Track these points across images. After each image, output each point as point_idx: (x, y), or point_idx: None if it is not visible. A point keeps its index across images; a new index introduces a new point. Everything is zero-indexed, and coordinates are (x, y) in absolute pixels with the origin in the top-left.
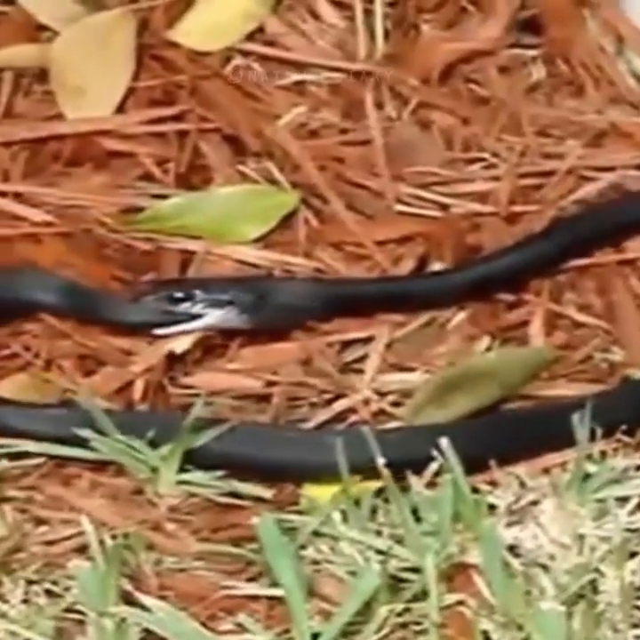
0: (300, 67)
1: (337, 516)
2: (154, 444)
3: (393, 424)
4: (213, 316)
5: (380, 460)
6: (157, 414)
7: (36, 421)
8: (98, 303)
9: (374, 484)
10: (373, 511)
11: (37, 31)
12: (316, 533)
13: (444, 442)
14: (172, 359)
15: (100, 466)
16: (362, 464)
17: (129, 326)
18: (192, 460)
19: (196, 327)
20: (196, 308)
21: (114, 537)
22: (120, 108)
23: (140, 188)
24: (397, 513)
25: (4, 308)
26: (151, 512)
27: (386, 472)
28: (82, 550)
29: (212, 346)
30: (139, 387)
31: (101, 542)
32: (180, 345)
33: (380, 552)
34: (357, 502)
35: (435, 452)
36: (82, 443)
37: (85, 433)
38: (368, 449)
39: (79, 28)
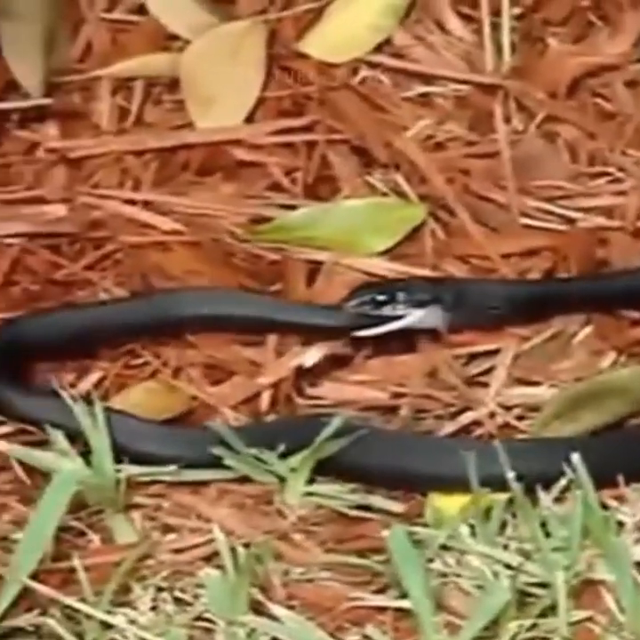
0: (426, 79)
1: (465, 529)
2: (283, 454)
3: (518, 437)
4: (414, 316)
5: (511, 474)
6: (287, 424)
7: (166, 443)
8: (290, 311)
9: (503, 498)
10: (502, 525)
11: (169, 40)
12: (443, 546)
13: (575, 457)
14: (300, 370)
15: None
16: (492, 477)
17: (330, 331)
18: (322, 469)
19: (396, 327)
20: (399, 310)
21: (246, 546)
22: (249, 118)
23: (269, 198)
24: (526, 527)
25: (165, 325)
26: (279, 522)
27: (516, 486)
28: (210, 559)
29: (339, 357)
30: (266, 397)
31: (231, 551)
32: (310, 358)
33: (508, 567)
34: (486, 516)
35: (565, 467)
36: (213, 461)
37: (218, 451)
38: (498, 462)
39: (210, 37)
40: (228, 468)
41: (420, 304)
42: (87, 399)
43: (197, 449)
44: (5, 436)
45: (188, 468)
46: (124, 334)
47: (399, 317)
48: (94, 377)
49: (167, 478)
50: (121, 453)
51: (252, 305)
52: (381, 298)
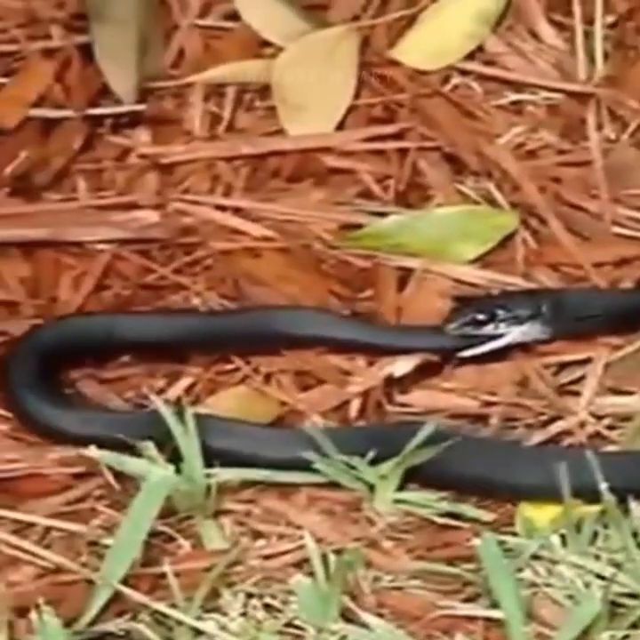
0: (518, 86)
1: (556, 539)
2: (372, 460)
3: (609, 448)
4: (515, 333)
5: (603, 484)
6: (378, 430)
7: (257, 444)
8: (390, 336)
9: (595, 509)
10: (593, 535)
11: (261, 47)
12: (534, 556)
13: None
14: (390, 378)
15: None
16: (583, 487)
17: (433, 353)
18: (411, 476)
19: (499, 345)
20: (500, 328)
21: (337, 552)
22: (341, 125)
23: (359, 205)
24: (618, 538)
25: (261, 341)
26: (368, 529)
27: (609, 496)
28: (299, 565)
29: (429, 365)
30: (355, 405)
31: (322, 558)
32: (401, 368)
33: (600, 577)
34: (577, 526)
35: None
36: (302, 464)
37: (309, 455)
38: (590, 472)
39: (303, 44)
40: (317, 471)
41: (520, 320)
42: (177, 405)
43: (288, 451)
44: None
45: (277, 470)
46: (214, 345)
47: (501, 335)
48: (185, 383)
49: (257, 477)
50: (211, 455)
51: (353, 328)
52: (482, 317)
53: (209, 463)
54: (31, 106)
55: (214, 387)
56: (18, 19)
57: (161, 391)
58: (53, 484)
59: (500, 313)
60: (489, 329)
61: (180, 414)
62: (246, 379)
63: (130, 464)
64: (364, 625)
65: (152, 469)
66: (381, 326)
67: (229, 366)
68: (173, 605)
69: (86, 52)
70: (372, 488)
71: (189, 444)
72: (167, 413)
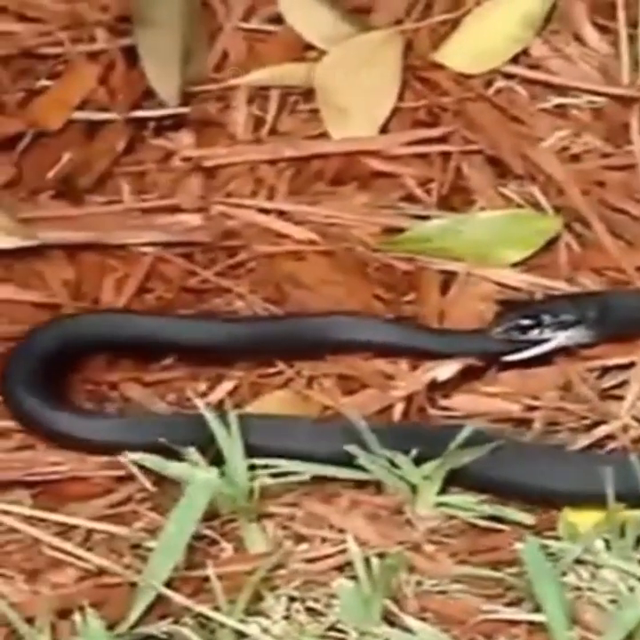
0: (562, 90)
1: (599, 543)
2: (416, 461)
3: None
4: (560, 338)
5: None
6: (421, 429)
7: (300, 437)
8: (434, 339)
9: (638, 513)
10: (637, 540)
11: (305, 50)
12: (577, 560)
13: None
14: (433, 383)
15: (360, 484)
16: (627, 492)
17: (477, 357)
18: (453, 479)
19: (543, 350)
20: (545, 334)
21: (380, 556)
22: (384, 129)
23: (402, 208)
24: None
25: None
26: (410, 533)
27: None
28: (342, 569)
29: (471, 369)
30: (398, 409)
31: (365, 562)
32: (444, 373)
33: None
34: (621, 530)
35: None
36: (345, 460)
37: (352, 449)
38: (634, 476)
39: (346, 47)
40: (359, 468)
41: (565, 326)
42: (220, 409)
43: (331, 445)
44: None
45: (320, 464)
46: (259, 351)
47: (546, 340)
48: (228, 386)
49: (299, 469)
50: (253, 453)
51: (397, 332)
52: (527, 322)
53: (252, 463)
54: (75, 108)
55: (257, 390)
56: (62, 21)
57: (204, 394)
58: (96, 487)
59: (546, 318)
60: (534, 334)
61: (222, 417)
62: (289, 382)
63: (172, 468)
64: (407, 629)
65: (195, 472)
66: (426, 330)
67: (272, 370)
68: (216, 608)
69: (130, 54)
70: (414, 489)
71: (232, 447)
72: (210, 416)
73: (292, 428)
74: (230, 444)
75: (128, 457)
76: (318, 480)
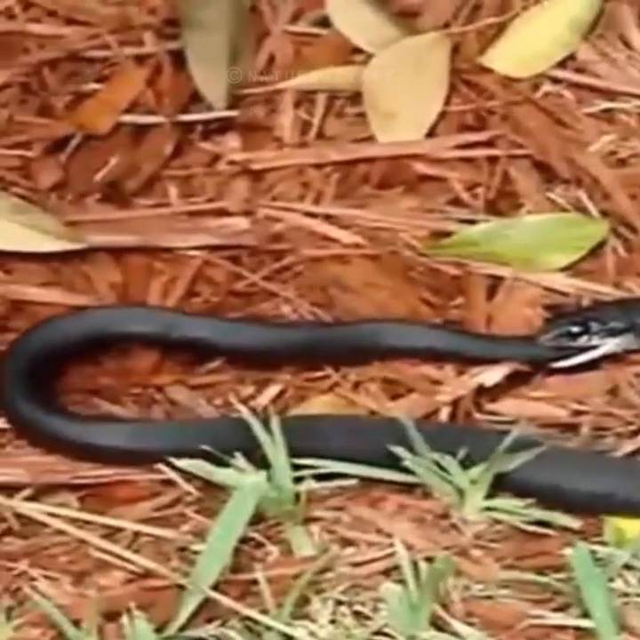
0: (609, 94)
1: None
2: (464, 465)
3: None
4: (609, 345)
5: None
6: (470, 431)
7: (347, 437)
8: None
9: None
10: None
11: (352, 54)
12: (625, 565)
13: None
14: (480, 388)
15: (406, 488)
16: None
17: (525, 362)
18: (500, 484)
19: (592, 357)
20: (593, 340)
21: (428, 560)
22: (431, 132)
23: (449, 212)
24: None
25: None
26: (457, 537)
27: None
28: (388, 573)
29: (517, 373)
30: (444, 413)
31: (413, 566)
32: (491, 378)
33: None
34: None
35: None
36: (392, 462)
37: (399, 451)
38: None
39: (393, 51)
40: (405, 471)
41: (614, 333)
42: (264, 413)
43: (377, 447)
44: None
45: (365, 465)
46: (308, 356)
47: (594, 347)
48: (274, 390)
49: (347, 481)
50: (298, 455)
51: (445, 338)
52: (576, 330)
53: (297, 465)
54: (122, 112)
55: (303, 394)
56: (110, 25)
57: (250, 398)
58: (143, 490)
59: (594, 326)
60: (583, 341)
61: (265, 422)
62: (335, 386)
63: (219, 474)
64: (455, 633)
65: (243, 477)
66: (475, 336)
67: (318, 374)
68: (263, 612)
69: (178, 58)
70: (461, 493)
71: (277, 453)
72: (253, 421)
73: (336, 429)
74: (274, 449)
75: (174, 463)
76: (364, 484)
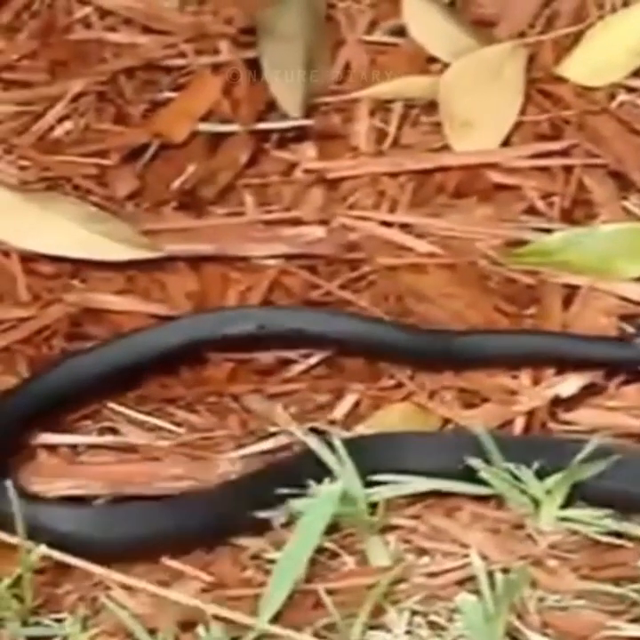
0: None
1: None
2: (539, 475)
3: None
4: None
5: None
6: (545, 441)
7: (420, 452)
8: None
9: None
10: None
11: (427, 63)
12: None
13: None
14: (555, 398)
15: (481, 498)
16: None
17: (614, 365)
18: (576, 494)
19: None
20: None
21: (504, 571)
22: (506, 142)
23: (525, 221)
24: None
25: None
26: (532, 547)
27: None
28: (463, 583)
29: (592, 383)
30: (519, 423)
31: (488, 576)
32: (567, 389)
33: None
34: None
35: None
36: (467, 473)
37: (474, 462)
38: None
39: (469, 60)
40: (480, 482)
41: None
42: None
43: (451, 459)
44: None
45: (439, 478)
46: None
47: None
48: (350, 399)
49: (419, 488)
50: (373, 472)
51: (536, 339)
52: None
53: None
54: (199, 120)
55: (378, 403)
56: (187, 33)
57: (325, 406)
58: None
59: None
60: None
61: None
62: (410, 395)
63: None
64: None
65: (319, 488)
66: (573, 337)
67: (393, 382)
68: (337, 622)
69: (254, 66)
70: (536, 503)
71: (343, 470)
72: (317, 445)
73: (409, 444)
74: (340, 467)
75: None
76: (440, 493)
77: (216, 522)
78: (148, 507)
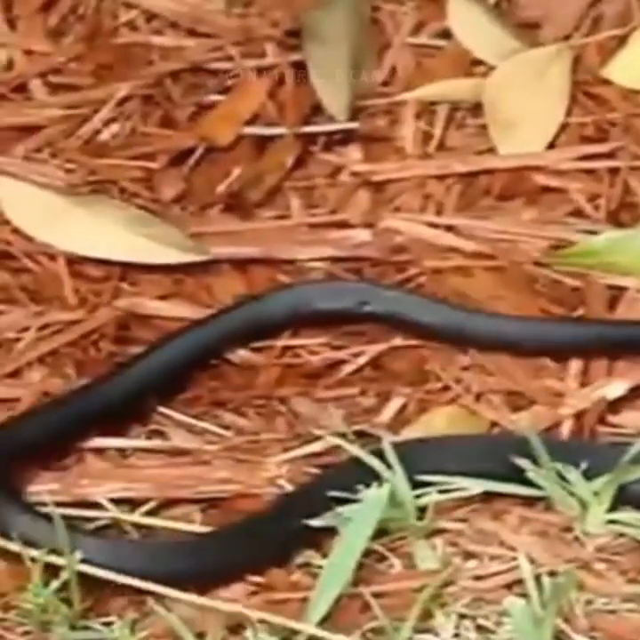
0: None
1: None
2: (586, 477)
3: None
4: None
5: None
6: (592, 445)
7: (468, 454)
8: None
9: None
10: None
11: (472, 65)
12: None
13: None
14: (603, 401)
15: (528, 501)
16: None
17: None
18: (623, 497)
19: None
20: None
21: (552, 574)
22: (552, 144)
23: (570, 223)
24: None
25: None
26: (579, 551)
27: None
28: (510, 586)
29: (639, 386)
30: (567, 426)
31: (536, 580)
32: (614, 391)
33: None
34: None
35: None
36: (514, 475)
37: (522, 463)
38: None
39: (514, 63)
40: (527, 484)
41: None
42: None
43: (499, 460)
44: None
45: (486, 479)
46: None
47: None
48: (396, 402)
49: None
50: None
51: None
52: None
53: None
54: (245, 123)
55: (425, 406)
56: (233, 37)
57: (372, 410)
58: (265, 504)
59: None
60: None
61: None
62: (457, 398)
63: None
64: None
65: (367, 493)
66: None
67: (440, 385)
68: (385, 625)
69: (300, 69)
70: (584, 505)
71: (392, 474)
72: (365, 453)
73: (456, 448)
74: (388, 472)
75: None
76: (486, 497)
77: (280, 543)
78: (211, 542)
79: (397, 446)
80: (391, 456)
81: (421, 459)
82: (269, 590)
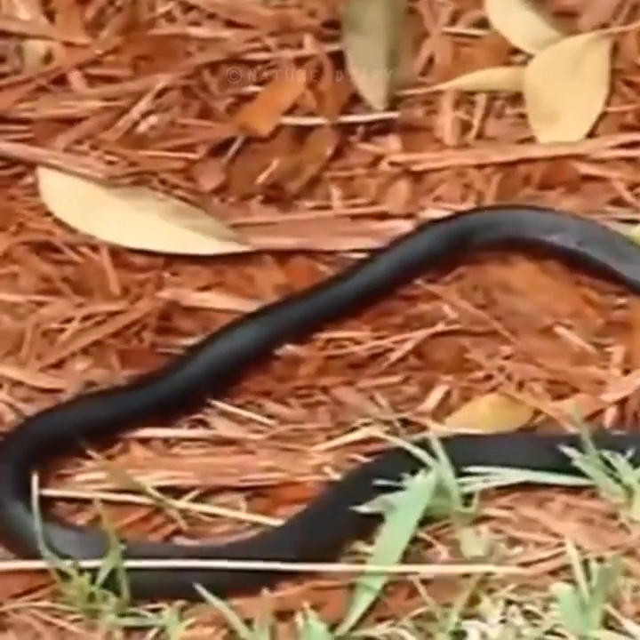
0: None
1: None
2: (632, 464)
3: None
4: None
5: None
6: (637, 433)
7: (509, 451)
8: None
9: None
10: None
11: (511, 54)
12: None
13: None
14: None
15: (573, 489)
16: None
17: None
18: None
19: None
20: None
21: (599, 560)
22: (591, 133)
23: (611, 212)
24: None
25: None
26: (625, 537)
27: None
28: (556, 573)
29: None
30: (610, 414)
31: (583, 565)
32: None
33: None
34: None
35: None
36: (557, 465)
37: (569, 451)
38: None
39: (553, 51)
40: (572, 472)
41: None
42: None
43: (544, 452)
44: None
45: (533, 471)
46: None
47: None
48: (439, 391)
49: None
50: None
51: None
52: None
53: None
54: (284, 114)
55: (468, 394)
56: (271, 27)
57: (415, 398)
58: (309, 491)
59: None
60: None
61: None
62: (499, 386)
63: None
64: (626, 633)
65: (413, 481)
66: None
67: (482, 374)
68: (433, 612)
69: (338, 60)
70: (629, 493)
71: (437, 463)
72: (409, 445)
73: (500, 443)
74: (434, 463)
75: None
76: (530, 485)
77: (334, 538)
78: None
79: (442, 440)
80: (436, 444)
81: (464, 452)
82: (317, 577)
